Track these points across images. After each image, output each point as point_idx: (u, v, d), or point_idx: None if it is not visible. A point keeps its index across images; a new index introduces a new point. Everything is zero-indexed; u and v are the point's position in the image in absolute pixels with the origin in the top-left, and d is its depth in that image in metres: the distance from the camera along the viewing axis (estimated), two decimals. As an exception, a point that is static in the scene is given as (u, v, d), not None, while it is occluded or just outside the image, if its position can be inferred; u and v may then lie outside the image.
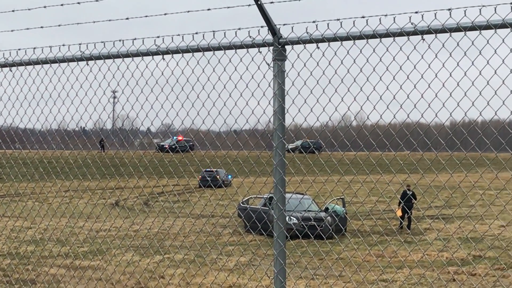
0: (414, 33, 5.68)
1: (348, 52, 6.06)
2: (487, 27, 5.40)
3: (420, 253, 21.10)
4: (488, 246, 22.77)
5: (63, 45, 7.37)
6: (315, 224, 23.53)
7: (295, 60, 6.31)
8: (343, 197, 28.20)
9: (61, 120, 8.14)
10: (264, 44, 6.33)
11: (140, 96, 7.25)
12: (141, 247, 20.34)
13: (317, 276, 17.53)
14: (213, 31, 6.47)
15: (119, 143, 10.42)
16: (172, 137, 9.81)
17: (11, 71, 7.95)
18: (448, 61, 5.67)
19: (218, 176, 45.03)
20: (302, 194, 13.01)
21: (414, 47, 5.75)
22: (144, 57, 6.99)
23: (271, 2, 6.18)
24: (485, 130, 5.92)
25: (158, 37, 6.74)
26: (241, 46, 6.45)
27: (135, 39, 6.90)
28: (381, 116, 6.13)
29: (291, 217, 25.58)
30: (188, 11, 6.66)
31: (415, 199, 30.08)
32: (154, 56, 6.93)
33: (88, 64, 7.36)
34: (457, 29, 5.49)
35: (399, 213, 30.03)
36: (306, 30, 6.09)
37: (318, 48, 6.13)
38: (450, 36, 5.55)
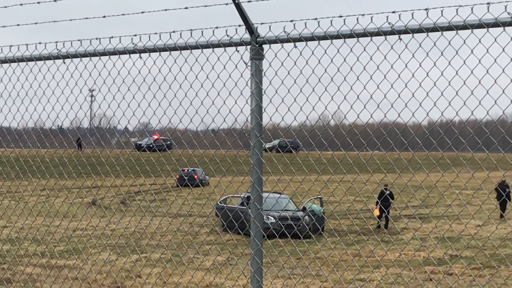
0: (391, 32, 5.69)
1: (325, 52, 6.07)
2: (464, 27, 5.42)
3: (397, 253, 21.18)
4: (465, 246, 22.90)
5: (40, 43, 7.32)
6: (293, 223, 23.53)
7: (273, 59, 6.31)
8: (320, 196, 28.17)
9: (37, 118, 8.10)
10: (241, 43, 6.32)
11: (117, 95, 7.23)
12: (117, 246, 20.26)
13: (294, 276, 17.55)
14: (191, 30, 6.45)
15: (96, 141, 10.37)
16: (148, 136, 9.75)
17: (-14, 69, 7.89)
18: (425, 61, 5.69)
19: (195, 176, 45.02)
20: (280, 193, 13.01)
21: (391, 47, 5.76)
22: (121, 55, 6.96)
23: (249, 1, 6.17)
24: (461, 130, 5.94)
25: (135, 35, 6.71)
26: (218, 45, 6.43)
27: (112, 37, 6.87)
28: (358, 115, 6.15)
29: (269, 216, 25.58)
30: (166, 10, 6.64)
31: (392, 198, 30.14)
32: (131, 55, 6.89)
33: (64, 62, 7.32)
34: (434, 29, 5.50)
35: (376, 212, 30.14)
36: (284, 29, 6.09)
37: (296, 47, 6.13)
38: (427, 36, 5.56)
